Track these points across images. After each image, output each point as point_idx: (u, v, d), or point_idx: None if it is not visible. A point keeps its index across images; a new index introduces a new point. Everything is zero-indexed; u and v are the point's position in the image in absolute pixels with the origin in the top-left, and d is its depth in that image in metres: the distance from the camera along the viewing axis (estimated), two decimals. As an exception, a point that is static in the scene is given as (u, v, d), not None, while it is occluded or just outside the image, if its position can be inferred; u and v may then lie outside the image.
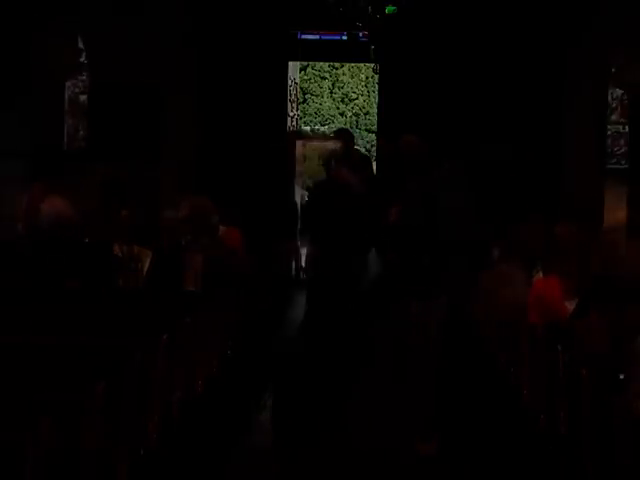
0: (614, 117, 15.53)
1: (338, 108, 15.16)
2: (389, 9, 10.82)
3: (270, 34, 12.95)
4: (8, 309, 5.57)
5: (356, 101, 14.94)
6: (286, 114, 14.59)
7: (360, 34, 11.29)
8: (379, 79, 13.28)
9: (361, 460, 6.19)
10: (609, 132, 15.27)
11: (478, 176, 9.91)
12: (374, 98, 13.06)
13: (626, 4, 11.84)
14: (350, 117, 15.08)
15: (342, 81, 15.17)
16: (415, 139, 7.25)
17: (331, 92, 15.13)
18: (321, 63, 13.99)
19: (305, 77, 13.95)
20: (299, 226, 9.75)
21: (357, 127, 14.63)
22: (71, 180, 11.51)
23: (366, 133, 14.93)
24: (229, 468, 6.05)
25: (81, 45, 13.32)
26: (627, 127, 14.72)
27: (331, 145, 9.73)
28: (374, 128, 13.12)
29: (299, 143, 15.71)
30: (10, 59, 12.11)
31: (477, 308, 6.93)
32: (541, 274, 6.65)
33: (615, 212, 13.63)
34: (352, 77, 14.26)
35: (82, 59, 13.58)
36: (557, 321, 5.55)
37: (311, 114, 14.46)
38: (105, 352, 4.37)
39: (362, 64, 12.71)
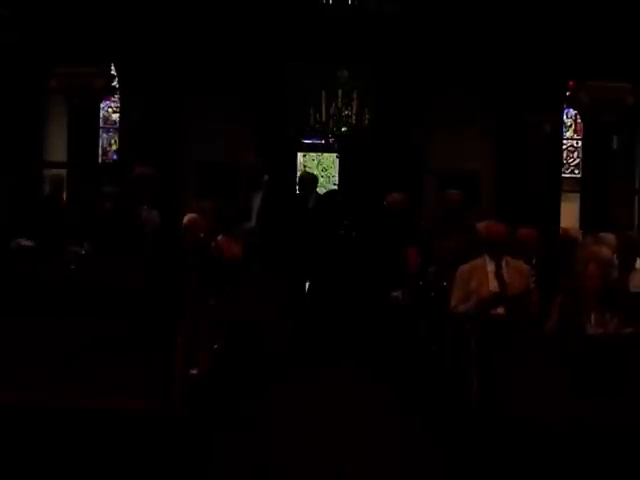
0: (569, 133, 15.53)
1: (322, 177, 20.35)
2: (345, 130, 13.43)
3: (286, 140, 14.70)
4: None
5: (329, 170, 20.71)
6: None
7: (330, 140, 14.07)
8: (339, 162, 15.83)
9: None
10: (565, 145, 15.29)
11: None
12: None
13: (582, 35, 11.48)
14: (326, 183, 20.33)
15: (322, 162, 21.88)
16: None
17: (317, 167, 21.44)
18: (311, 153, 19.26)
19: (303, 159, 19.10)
20: None
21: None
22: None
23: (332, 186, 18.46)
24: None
25: (113, 71, 12.93)
26: (580, 142, 14.60)
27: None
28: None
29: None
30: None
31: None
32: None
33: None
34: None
35: (114, 83, 13.20)
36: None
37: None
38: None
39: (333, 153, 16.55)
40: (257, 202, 8.23)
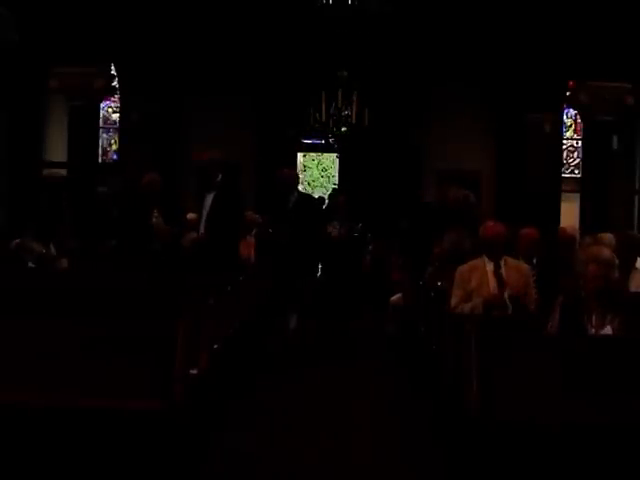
0: (569, 133, 15.56)
1: (321, 176, 22.52)
2: (344, 130, 13.67)
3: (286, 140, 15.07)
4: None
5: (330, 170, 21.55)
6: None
7: (330, 140, 14.24)
8: (339, 162, 16.38)
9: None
10: (565, 145, 15.35)
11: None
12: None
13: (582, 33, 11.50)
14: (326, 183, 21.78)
15: (322, 162, 22.58)
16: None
17: (317, 166, 22.58)
18: (311, 153, 20.42)
19: (303, 159, 20.47)
20: None
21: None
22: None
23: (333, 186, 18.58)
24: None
25: (113, 71, 12.94)
26: (580, 142, 14.64)
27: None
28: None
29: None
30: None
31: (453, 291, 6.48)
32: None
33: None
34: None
35: (114, 83, 13.22)
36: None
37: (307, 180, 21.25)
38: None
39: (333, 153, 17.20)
40: (209, 203, 7.92)
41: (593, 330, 4.89)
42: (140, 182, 8.09)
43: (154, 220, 7.69)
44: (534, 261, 7.13)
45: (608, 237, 6.69)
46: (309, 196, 9.83)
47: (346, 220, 10.42)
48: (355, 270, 9.37)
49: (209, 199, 7.79)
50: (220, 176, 7.82)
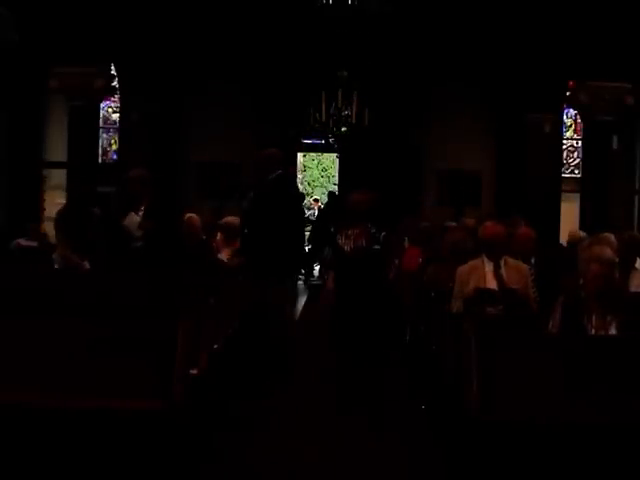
0: (569, 133, 15.58)
1: (321, 176, 23.57)
2: (344, 130, 13.63)
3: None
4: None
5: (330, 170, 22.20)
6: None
7: (330, 140, 14.29)
8: (339, 162, 16.58)
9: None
10: (565, 145, 15.36)
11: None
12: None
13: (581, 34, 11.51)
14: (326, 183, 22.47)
15: (322, 162, 23.70)
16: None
17: (317, 166, 23.64)
18: (311, 153, 21.38)
19: (303, 159, 21.34)
20: None
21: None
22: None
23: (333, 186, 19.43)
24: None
25: (113, 71, 12.93)
26: (580, 142, 14.68)
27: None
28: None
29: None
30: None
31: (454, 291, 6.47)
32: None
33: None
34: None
35: (114, 83, 13.21)
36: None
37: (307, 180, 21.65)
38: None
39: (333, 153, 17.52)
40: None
41: (593, 330, 4.89)
42: (127, 179, 7.90)
43: (126, 220, 7.54)
44: (532, 261, 7.12)
45: (610, 237, 6.66)
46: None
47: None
48: (377, 297, 8.73)
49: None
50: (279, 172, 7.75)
